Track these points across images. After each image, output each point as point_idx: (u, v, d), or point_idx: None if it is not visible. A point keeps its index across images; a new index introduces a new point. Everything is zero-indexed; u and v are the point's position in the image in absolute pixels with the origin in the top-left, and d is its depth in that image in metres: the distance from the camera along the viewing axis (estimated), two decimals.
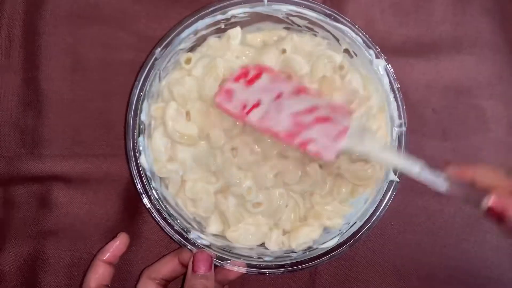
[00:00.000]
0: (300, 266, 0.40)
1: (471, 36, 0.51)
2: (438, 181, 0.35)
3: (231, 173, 0.41)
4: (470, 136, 0.50)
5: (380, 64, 0.43)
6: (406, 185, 0.47)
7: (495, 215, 0.32)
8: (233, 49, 0.43)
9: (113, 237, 0.43)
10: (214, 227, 0.43)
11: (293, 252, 0.42)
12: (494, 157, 0.49)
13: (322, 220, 0.42)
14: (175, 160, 0.42)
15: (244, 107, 0.39)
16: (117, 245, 0.42)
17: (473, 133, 0.50)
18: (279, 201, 0.42)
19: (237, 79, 0.40)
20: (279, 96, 0.40)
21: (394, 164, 0.39)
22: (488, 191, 0.32)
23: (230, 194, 0.42)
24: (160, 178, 0.43)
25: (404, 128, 0.43)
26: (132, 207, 0.47)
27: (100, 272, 0.41)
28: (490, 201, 0.32)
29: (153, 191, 0.41)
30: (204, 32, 0.43)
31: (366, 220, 0.41)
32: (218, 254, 0.40)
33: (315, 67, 0.43)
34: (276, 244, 0.42)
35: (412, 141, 0.45)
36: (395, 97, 0.43)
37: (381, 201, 0.42)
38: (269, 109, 0.39)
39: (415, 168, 0.36)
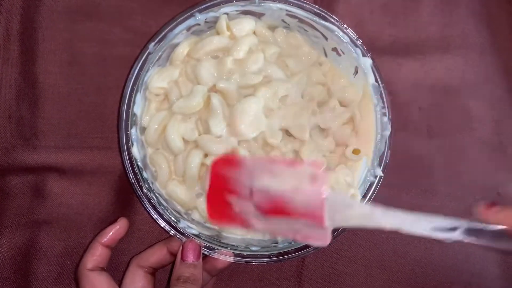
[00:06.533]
0: (286, 256, 0.42)
1: (458, 37, 0.52)
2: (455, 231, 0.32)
3: None
4: (455, 134, 0.51)
5: (367, 63, 0.44)
6: (391, 181, 0.48)
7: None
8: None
9: (113, 221, 0.44)
10: (197, 215, 0.44)
11: (279, 243, 0.43)
12: (478, 156, 0.51)
13: None
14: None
15: (242, 219, 0.38)
16: (117, 229, 0.43)
17: (458, 132, 0.51)
18: None
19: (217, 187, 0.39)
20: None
21: (393, 227, 0.33)
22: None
23: None
24: (151, 170, 0.44)
25: (389, 126, 0.44)
26: (124, 199, 0.48)
27: (97, 254, 0.42)
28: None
29: (144, 182, 0.42)
30: (196, 28, 0.44)
31: None
32: (207, 243, 0.41)
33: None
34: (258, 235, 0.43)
35: (398, 138, 0.46)
36: (380, 94, 0.44)
37: (365, 195, 0.43)
38: (259, 216, 0.37)
39: (425, 222, 0.32)
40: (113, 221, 0.44)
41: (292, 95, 0.43)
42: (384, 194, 0.47)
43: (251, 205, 0.37)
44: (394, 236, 0.49)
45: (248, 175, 0.37)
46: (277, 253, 0.42)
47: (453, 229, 0.32)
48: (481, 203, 0.32)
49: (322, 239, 0.36)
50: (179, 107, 0.42)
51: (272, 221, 0.37)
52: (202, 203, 0.43)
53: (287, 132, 0.44)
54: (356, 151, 0.44)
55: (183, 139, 0.43)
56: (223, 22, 0.43)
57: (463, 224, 0.31)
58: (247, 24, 0.44)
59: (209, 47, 0.43)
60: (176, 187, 0.43)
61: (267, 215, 0.37)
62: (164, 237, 0.46)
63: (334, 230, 0.42)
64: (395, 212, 0.34)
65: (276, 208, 0.36)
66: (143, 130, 0.44)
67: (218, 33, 0.44)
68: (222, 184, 0.38)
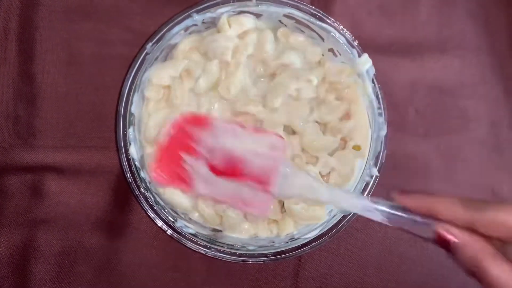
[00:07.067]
0: (283, 256, 0.42)
1: (455, 38, 0.52)
2: (382, 214, 0.33)
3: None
4: (452, 135, 0.51)
5: (363, 63, 0.44)
6: (387, 181, 0.49)
7: (442, 243, 0.30)
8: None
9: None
10: (195, 215, 0.44)
11: (275, 242, 0.43)
12: (474, 156, 0.51)
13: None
14: None
15: (187, 180, 0.40)
16: None
17: (455, 132, 0.51)
18: None
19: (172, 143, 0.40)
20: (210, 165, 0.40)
21: (328, 201, 0.37)
22: (435, 219, 0.31)
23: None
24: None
25: (385, 126, 0.44)
26: (122, 198, 0.48)
27: None
28: (437, 229, 0.30)
29: (141, 181, 0.42)
30: (194, 29, 0.44)
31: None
32: (204, 242, 0.42)
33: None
34: (264, 232, 0.44)
35: (395, 138, 0.46)
36: (377, 95, 0.44)
37: (362, 194, 0.43)
38: (208, 179, 0.39)
39: (356, 206, 0.35)
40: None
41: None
42: (380, 194, 0.47)
43: (205, 165, 0.39)
44: (391, 236, 0.49)
45: (213, 134, 0.40)
46: (273, 253, 0.42)
47: (380, 211, 0.33)
48: (395, 191, 0.33)
49: (263, 208, 0.39)
50: (201, 86, 0.43)
51: (219, 184, 0.39)
52: (202, 203, 0.43)
53: (287, 129, 0.44)
54: (356, 147, 0.44)
55: None
56: (224, 21, 0.44)
57: (384, 208, 0.33)
58: (247, 22, 0.44)
59: (217, 44, 0.43)
60: (174, 193, 0.43)
61: (219, 175, 0.39)
62: (162, 236, 0.46)
63: (331, 229, 0.43)
64: (332, 189, 0.37)
65: (230, 169, 0.39)
66: (141, 128, 0.44)
67: (218, 32, 0.45)
68: (181, 140, 0.40)
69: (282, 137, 0.41)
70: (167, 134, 0.40)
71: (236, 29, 0.44)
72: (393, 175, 0.49)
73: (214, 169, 0.39)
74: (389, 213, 0.33)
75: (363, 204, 0.34)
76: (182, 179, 0.40)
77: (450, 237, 0.30)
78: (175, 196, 0.43)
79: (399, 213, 0.32)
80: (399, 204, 0.33)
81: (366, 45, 0.45)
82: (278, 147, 0.40)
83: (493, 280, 0.28)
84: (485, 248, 0.29)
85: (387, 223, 0.33)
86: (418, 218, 0.32)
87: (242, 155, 0.39)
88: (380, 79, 0.45)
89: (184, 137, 0.40)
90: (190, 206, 0.43)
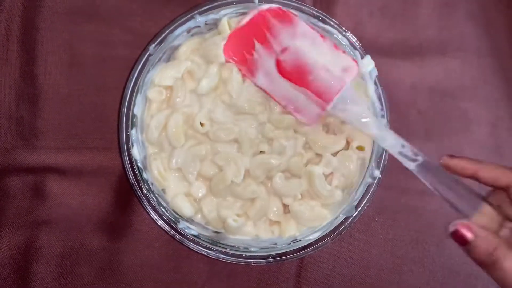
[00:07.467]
0: (285, 257, 0.42)
1: (456, 40, 0.53)
2: (414, 162, 0.36)
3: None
4: (452, 136, 0.51)
5: (365, 65, 0.44)
6: (389, 182, 0.49)
7: (458, 238, 0.33)
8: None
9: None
10: (198, 217, 0.44)
11: (278, 244, 0.43)
12: (475, 157, 0.50)
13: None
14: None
15: (252, 67, 0.41)
16: None
17: (456, 134, 0.51)
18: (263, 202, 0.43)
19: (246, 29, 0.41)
20: (278, 60, 0.41)
21: (373, 135, 0.40)
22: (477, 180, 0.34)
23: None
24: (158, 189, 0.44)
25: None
26: (124, 199, 0.48)
27: None
28: (455, 226, 0.33)
29: (144, 182, 0.42)
30: (196, 30, 0.45)
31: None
32: (206, 244, 0.42)
33: None
34: (266, 233, 0.44)
35: None
36: (379, 97, 0.44)
37: (364, 196, 0.43)
38: (271, 74, 0.41)
39: (396, 144, 0.37)
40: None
41: None
42: (382, 195, 0.48)
43: (273, 60, 0.41)
44: (392, 238, 0.50)
45: (293, 34, 0.41)
46: (276, 254, 0.42)
47: (414, 160, 0.36)
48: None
49: (311, 119, 0.41)
50: (203, 87, 0.43)
51: (279, 83, 0.41)
52: (205, 205, 0.43)
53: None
54: (361, 148, 0.44)
55: (184, 134, 0.43)
56: (225, 23, 0.44)
57: (421, 159, 0.36)
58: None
59: (215, 47, 0.43)
60: (181, 202, 0.43)
61: (281, 74, 0.41)
62: (163, 237, 0.46)
63: (333, 231, 0.43)
64: (382, 127, 0.40)
65: (297, 73, 0.40)
66: (143, 129, 0.44)
67: (219, 34, 0.45)
68: (261, 29, 0.41)
69: (357, 62, 0.42)
70: (247, 18, 0.41)
71: None
72: (395, 177, 0.49)
73: (280, 68, 0.40)
74: (422, 165, 0.35)
75: (406, 150, 0.37)
76: (247, 64, 0.41)
77: (467, 233, 0.32)
78: (178, 201, 0.43)
79: (433, 168, 0.35)
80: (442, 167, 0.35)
81: (367, 47, 0.46)
82: (350, 70, 0.41)
83: (506, 272, 0.31)
84: (500, 243, 0.32)
85: (416, 173, 0.36)
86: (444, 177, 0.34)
87: (313, 64, 0.40)
88: (381, 80, 0.45)
89: (263, 26, 0.41)
90: (193, 212, 0.43)
